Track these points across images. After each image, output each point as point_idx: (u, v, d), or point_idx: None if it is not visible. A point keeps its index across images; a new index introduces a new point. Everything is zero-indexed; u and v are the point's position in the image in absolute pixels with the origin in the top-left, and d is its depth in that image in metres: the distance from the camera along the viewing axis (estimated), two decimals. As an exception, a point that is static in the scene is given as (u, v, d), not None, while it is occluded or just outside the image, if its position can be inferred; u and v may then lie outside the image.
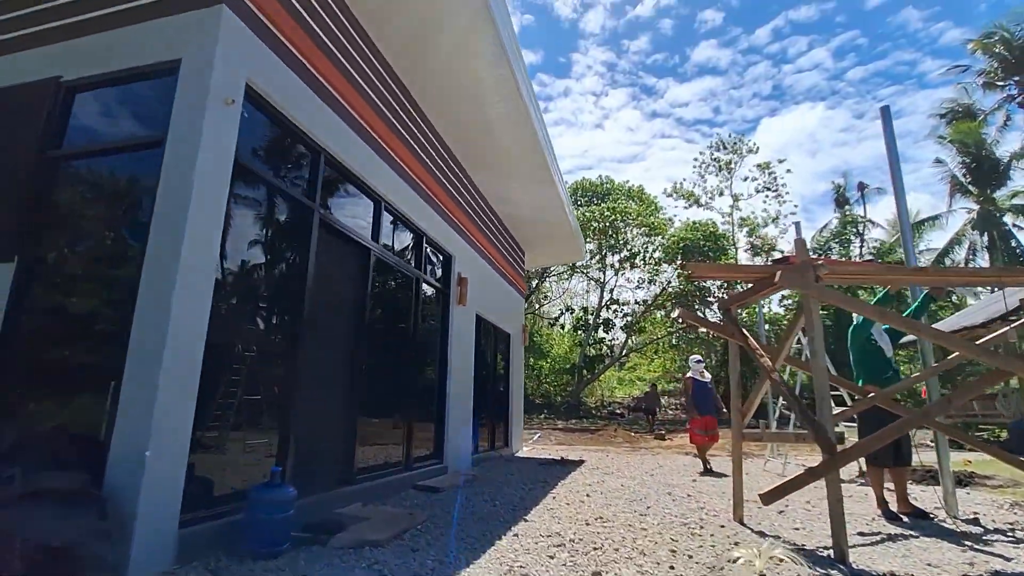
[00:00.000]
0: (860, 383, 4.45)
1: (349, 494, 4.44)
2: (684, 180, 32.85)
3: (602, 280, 26.44)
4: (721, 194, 31.57)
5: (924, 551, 3.26)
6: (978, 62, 27.56)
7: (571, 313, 27.55)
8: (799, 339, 7.49)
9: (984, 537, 3.58)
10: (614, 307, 26.33)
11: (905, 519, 4.13)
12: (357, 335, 4.89)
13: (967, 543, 3.40)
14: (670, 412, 24.73)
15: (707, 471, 7.31)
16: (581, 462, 8.48)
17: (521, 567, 3.01)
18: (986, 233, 23.14)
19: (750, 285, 4.23)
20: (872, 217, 32.12)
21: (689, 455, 9.86)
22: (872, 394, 4.14)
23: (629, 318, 26.19)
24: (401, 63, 5.62)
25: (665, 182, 68.49)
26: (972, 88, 27.84)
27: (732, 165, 31.90)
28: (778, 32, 68.23)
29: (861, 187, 34.44)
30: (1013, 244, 22.38)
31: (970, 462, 7.56)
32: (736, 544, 3.53)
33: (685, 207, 31.57)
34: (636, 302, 26.20)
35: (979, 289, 21.26)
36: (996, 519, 4.10)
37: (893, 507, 4.30)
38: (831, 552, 3.13)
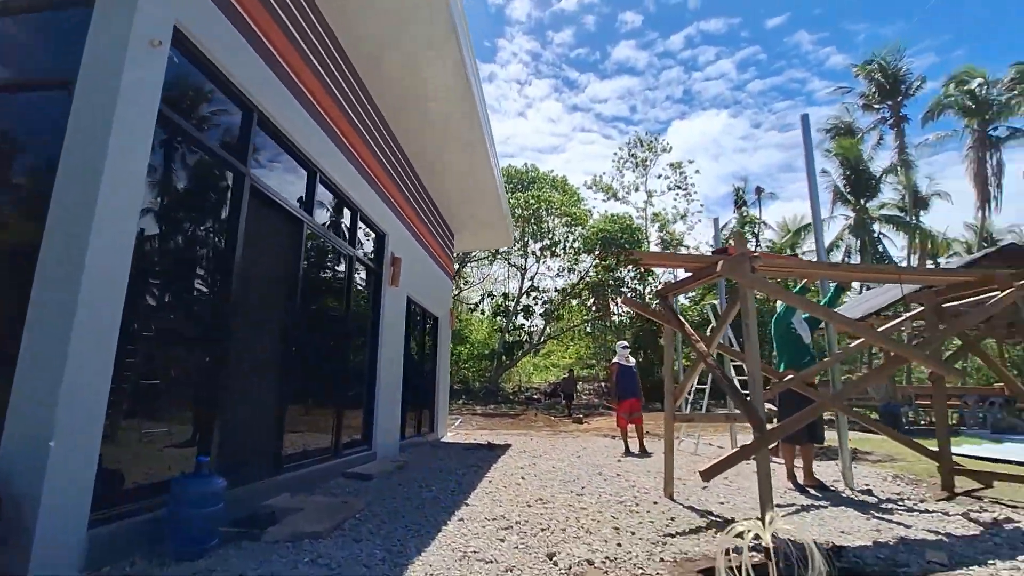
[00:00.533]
0: (782, 368, 4.86)
1: (276, 484, 4.14)
2: (604, 173, 34.15)
3: (524, 267, 26.78)
4: (637, 189, 33.19)
5: (835, 520, 3.63)
6: (860, 85, 30.98)
7: (491, 299, 27.64)
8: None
9: (881, 506, 4.05)
10: (534, 294, 26.78)
11: (811, 491, 4.59)
12: (288, 315, 4.54)
13: (871, 512, 3.84)
14: (583, 397, 25.69)
15: (628, 452, 7.67)
16: (508, 446, 8.56)
17: (475, 551, 2.97)
18: (859, 238, 26.24)
19: (690, 274, 4.44)
20: (766, 219, 35.17)
21: (608, 437, 10.30)
22: (790, 376, 4.54)
23: (548, 305, 26.78)
24: (342, 26, 5.23)
25: (583, 175, 70.59)
26: (853, 108, 31.28)
27: (648, 162, 33.62)
28: (690, 40, 72.32)
29: (758, 191, 37.52)
30: (880, 249, 25.56)
31: (850, 439, 8.56)
32: (672, 519, 3.73)
33: (603, 199, 32.87)
34: (556, 290, 26.83)
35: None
36: (884, 490, 4.66)
37: (800, 480, 4.76)
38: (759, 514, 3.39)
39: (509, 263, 27.33)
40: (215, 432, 3.47)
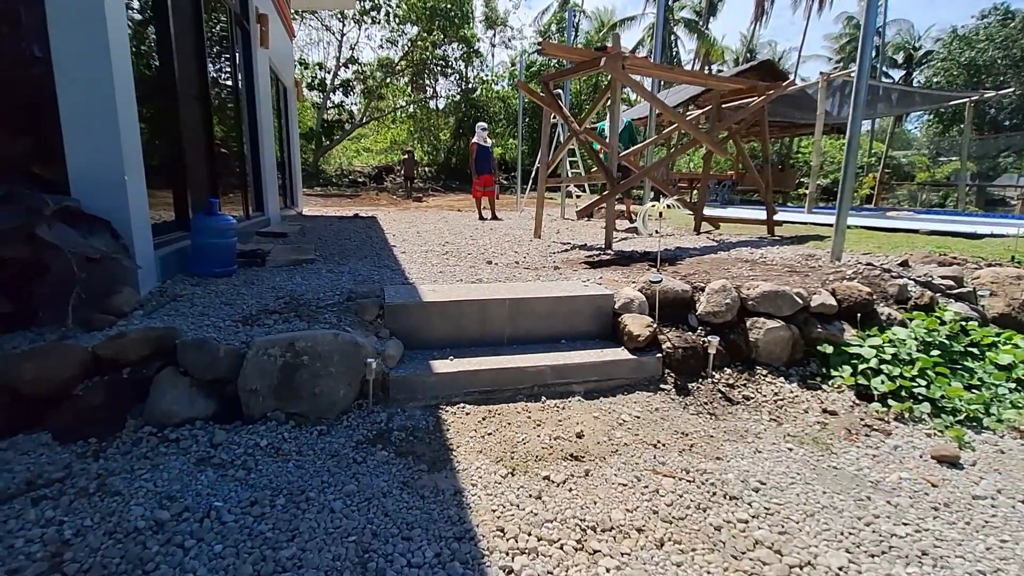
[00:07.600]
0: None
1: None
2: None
3: (342, 31, 23.85)
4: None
5: (642, 242, 5.75)
6: None
7: (305, 68, 24.64)
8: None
9: (664, 237, 6.37)
10: (354, 67, 24.62)
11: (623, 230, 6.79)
12: (200, 83, 4.45)
13: (659, 239, 6.08)
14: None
15: (482, 219, 9.28)
16: (373, 218, 9.48)
17: (436, 264, 4.22)
18: (661, 39, 29.04)
19: (570, 64, 5.48)
20: (585, 8, 35.64)
21: (454, 211, 11.84)
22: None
23: (371, 81, 25.09)
24: None
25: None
26: None
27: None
28: None
29: (583, -25, 36.96)
30: (675, 50, 28.85)
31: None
32: (548, 247, 5.43)
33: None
34: (380, 65, 24.97)
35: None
36: (664, 231, 7.10)
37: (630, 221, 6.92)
38: (602, 243, 5.28)
39: (323, 24, 23.89)
40: (189, 187, 3.83)
